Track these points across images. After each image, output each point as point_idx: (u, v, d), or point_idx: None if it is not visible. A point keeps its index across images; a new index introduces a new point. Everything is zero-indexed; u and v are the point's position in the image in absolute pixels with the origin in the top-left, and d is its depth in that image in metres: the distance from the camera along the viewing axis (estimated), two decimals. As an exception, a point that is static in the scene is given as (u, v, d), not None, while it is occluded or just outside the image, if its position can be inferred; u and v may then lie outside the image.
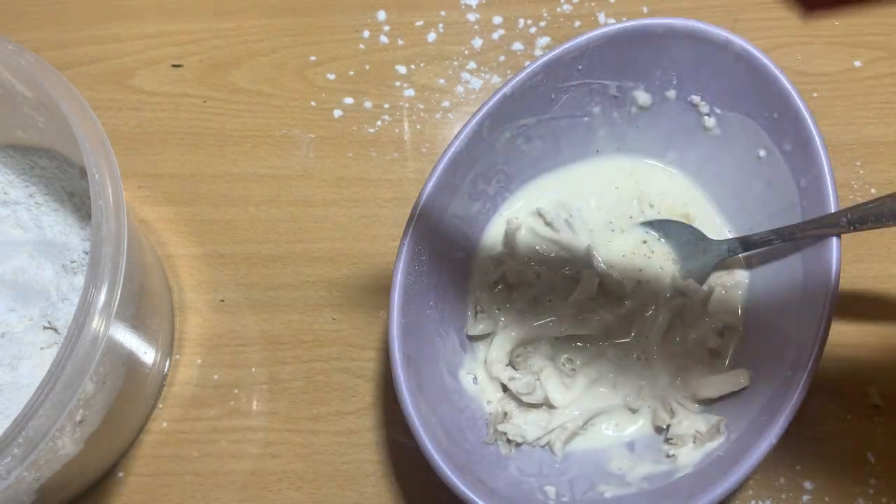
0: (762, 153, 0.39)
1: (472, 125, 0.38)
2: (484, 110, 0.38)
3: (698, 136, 0.41)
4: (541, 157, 0.42)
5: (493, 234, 0.42)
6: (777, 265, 0.38)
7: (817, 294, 0.34)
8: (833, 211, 0.35)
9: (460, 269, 0.41)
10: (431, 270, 0.38)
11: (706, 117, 0.41)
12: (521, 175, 0.42)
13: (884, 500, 0.40)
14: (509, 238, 0.41)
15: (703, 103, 0.40)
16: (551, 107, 0.40)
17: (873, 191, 0.46)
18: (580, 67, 0.39)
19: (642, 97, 0.41)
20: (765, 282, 0.39)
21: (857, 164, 0.46)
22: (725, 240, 0.40)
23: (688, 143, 0.42)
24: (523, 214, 0.42)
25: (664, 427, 0.37)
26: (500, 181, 0.42)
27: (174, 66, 0.51)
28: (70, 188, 0.43)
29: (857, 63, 0.49)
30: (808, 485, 0.40)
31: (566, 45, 0.38)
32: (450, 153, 0.37)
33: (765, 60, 0.37)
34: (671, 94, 0.40)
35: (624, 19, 0.38)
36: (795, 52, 0.50)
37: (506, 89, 0.38)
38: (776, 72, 0.37)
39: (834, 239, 0.34)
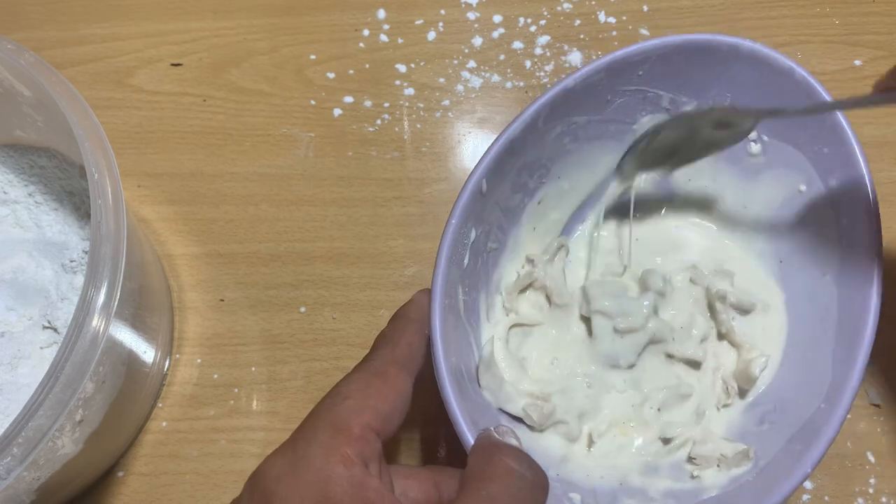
0: (803, 187, 0.38)
1: (531, 112, 0.36)
2: (544, 99, 0.37)
3: (739, 161, 0.40)
4: (583, 157, 0.41)
5: (524, 229, 0.41)
6: (812, 301, 0.38)
7: (853, 333, 0.34)
8: (876, 248, 0.34)
9: (492, 260, 0.40)
10: (471, 256, 0.37)
11: (752, 143, 0.39)
12: (560, 172, 0.41)
13: (884, 500, 0.40)
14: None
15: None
16: (604, 108, 0.39)
17: (874, 190, 0.46)
18: (640, 73, 0.38)
19: None
20: (800, 315, 0.39)
21: (858, 163, 0.46)
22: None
23: (726, 166, 0.41)
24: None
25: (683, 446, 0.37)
26: (542, 176, 0.40)
27: (174, 64, 0.50)
28: (69, 187, 0.43)
29: (858, 62, 0.49)
30: (808, 485, 0.40)
31: (632, 48, 0.37)
32: (505, 136, 0.36)
33: (824, 94, 0.36)
34: None
35: (667, 33, 0.37)
36: (795, 51, 0.50)
37: (568, 81, 0.37)
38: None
39: (875, 284, 0.34)
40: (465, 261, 0.37)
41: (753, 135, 0.39)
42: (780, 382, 0.38)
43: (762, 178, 0.40)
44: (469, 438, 0.31)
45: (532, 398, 0.37)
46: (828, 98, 0.36)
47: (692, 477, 0.36)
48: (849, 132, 0.36)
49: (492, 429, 0.30)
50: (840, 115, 0.36)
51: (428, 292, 0.34)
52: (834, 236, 0.37)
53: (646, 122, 0.40)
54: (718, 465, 0.36)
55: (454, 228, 0.35)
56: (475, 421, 0.32)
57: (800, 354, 0.37)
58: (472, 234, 0.37)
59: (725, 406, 0.38)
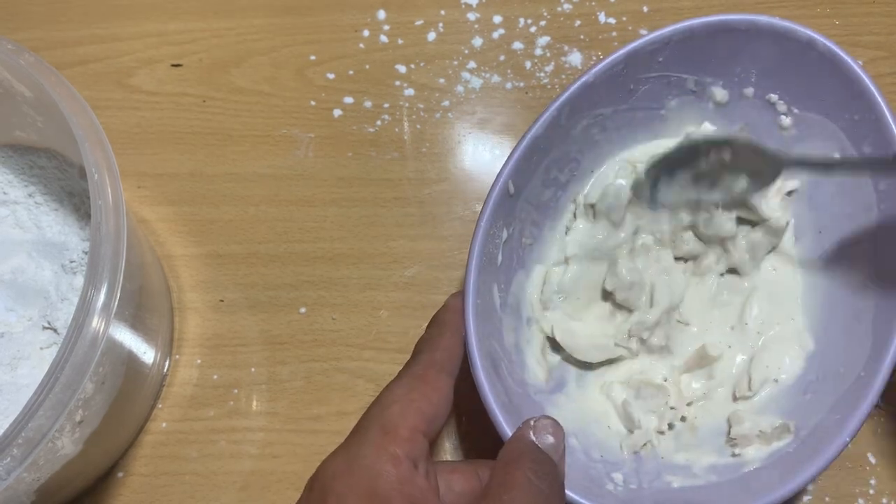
0: (836, 155, 0.38)
1: (552, 111, 0.37)
2: (563, 97, 0.37)
3: (772, 135, 0.40)
4: (614, 146, 0.42)
5: (562, 221, 0.42)
6: (852, 268, 0.38)
7: (892, 299, 0.34)
8: None
9: (528, 255, 0.41)
10: (504, 254, 0.38)
11: (783, 116, 0.39)
12: (593, 164, 0.42)
13: (884, 500, 0.40)
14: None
15: (780, 102, 0.39)
16: (629, 97, 0.40)
17: (874, 191, 0.46)
18: (661, 59, 0.38)
19: (720, 93, 0.40)
20: (840, 283, 0.39)
21: (858, 163, 0.46)
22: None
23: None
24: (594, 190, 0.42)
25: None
26: (573, 169, 0.41)
27: (173, 65, 0.50)
28: (69, 188, 0.43)
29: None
30: (808, 486, 0.40)
31: (649, 37, 0.37)
32: (528, 137, 0.37)
33: (849, 61, 0.36)
34: (749, 91, 0.40)
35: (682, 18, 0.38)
36: (796, 51, 0.50)
37: (587, 77, 0.37)
38: (860, 73, 0.36)
39: None
40: (499, 259, 0.37)
41: (784, 107, 0.39)
42: (824, 351, 0.38)
43: (795, 151, 0.40)
44: (509, 435, 0.32)
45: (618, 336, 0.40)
46: (857, 67, 0.36)
47: (733, 456, 0.36)
48: (878, 98, 0.35)
49: (531, 422, 0.31)
50: (868, 82, 0.36)
51: (461, 295, 0.35)
52: (871, 202, 0.36)
53: (673, 105, 0.41)
54: (758, 438, 0.36)
55: (483, 231, 0.35)
56: (519, 413, 0.33)
57: (841, 323, 0.37)
58: (504, 234, 0.38)
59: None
